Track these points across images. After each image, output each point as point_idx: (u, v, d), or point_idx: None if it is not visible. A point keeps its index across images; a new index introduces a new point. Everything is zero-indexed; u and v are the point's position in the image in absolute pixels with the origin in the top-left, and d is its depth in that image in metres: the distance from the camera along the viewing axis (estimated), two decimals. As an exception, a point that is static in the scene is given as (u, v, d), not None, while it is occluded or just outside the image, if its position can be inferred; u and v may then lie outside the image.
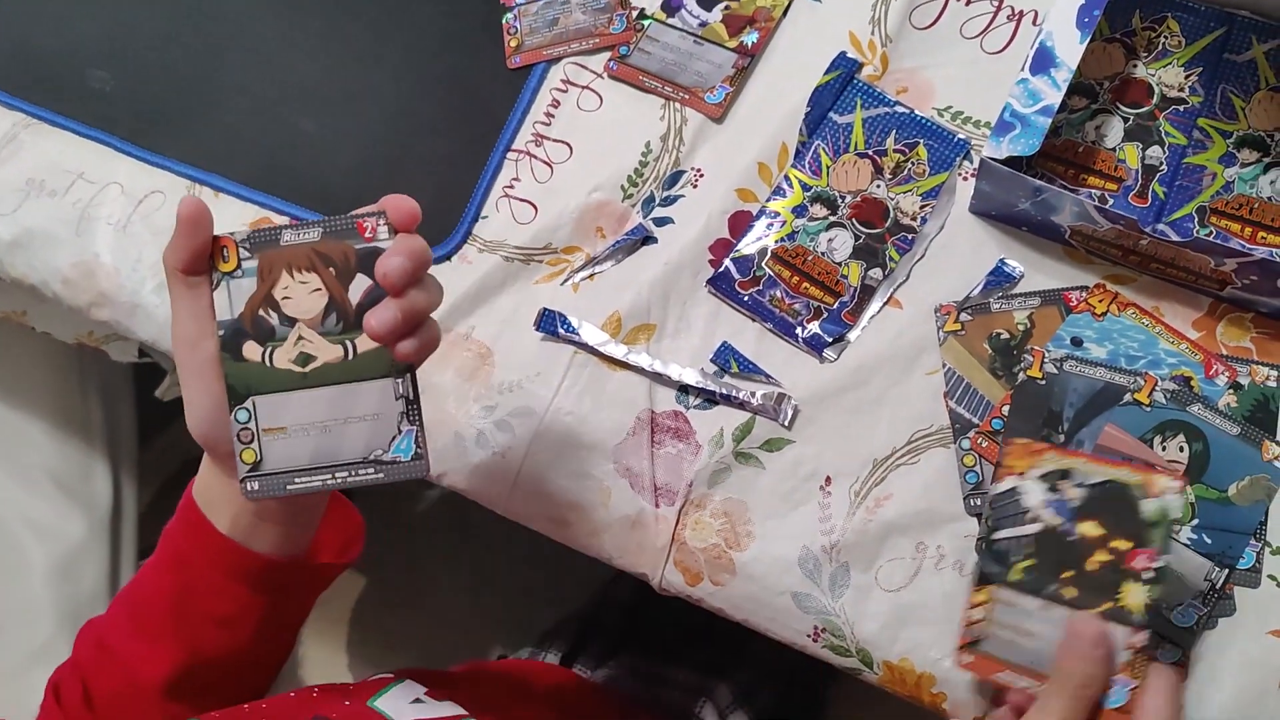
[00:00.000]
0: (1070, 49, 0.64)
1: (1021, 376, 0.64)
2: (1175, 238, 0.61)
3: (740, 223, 0.72)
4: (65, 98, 0.83)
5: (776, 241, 0.71)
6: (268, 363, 0.52)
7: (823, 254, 0.70)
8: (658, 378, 0.70)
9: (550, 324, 0.71)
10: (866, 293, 0.69)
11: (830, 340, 0.69)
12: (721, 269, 0.71)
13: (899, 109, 0.72)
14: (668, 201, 0.73)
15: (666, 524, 0.68)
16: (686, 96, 0.75)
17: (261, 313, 0.52)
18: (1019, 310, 0.67)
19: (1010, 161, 0.63)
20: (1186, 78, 0.68)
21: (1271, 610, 0.61)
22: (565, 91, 0.77)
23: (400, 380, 0.53)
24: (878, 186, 0.71)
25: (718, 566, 0.67)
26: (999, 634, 0.58)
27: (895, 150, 0.72)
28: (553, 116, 0.77)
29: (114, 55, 0.83)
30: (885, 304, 0.69)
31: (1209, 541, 0.60)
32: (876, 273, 0.69)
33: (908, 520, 0.65)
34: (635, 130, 0.75)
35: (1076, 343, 0.65)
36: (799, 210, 0.71)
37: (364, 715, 0.61)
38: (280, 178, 0.78)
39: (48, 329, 1.00)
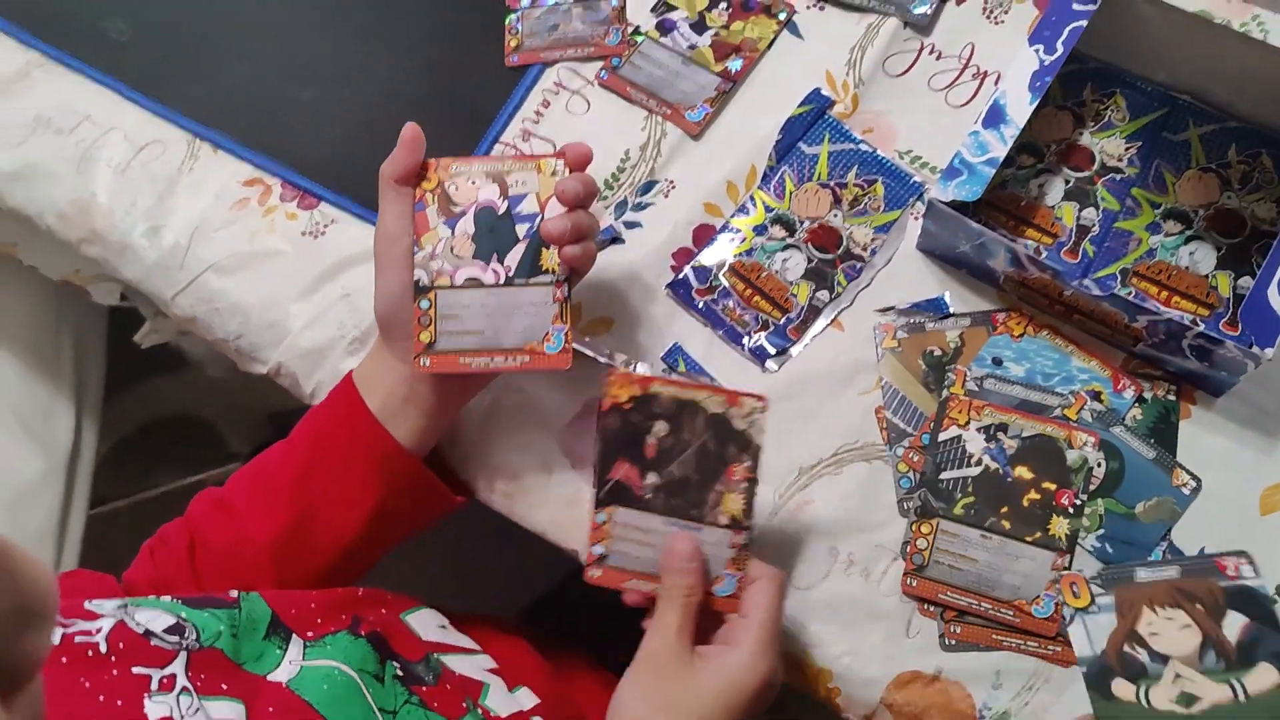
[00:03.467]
0: (1020, 109, 0.69)
1: (946, 393, 0.69)
2: (1097, 292, 0.66)
3: (704, 235, 0.77)
4: (82, 42, 0.87)
5: (735, 256, 0.76)
6: (1143, 702, 0.49)
7: (776, 272, 0.75)
8: (609, 369, 0.74)
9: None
10: (813, 312, 0.74)
11: (774, 352, 0.73)
12: (681, 275, 0.76)
13: (863, 147, 0.77)
14: (639, 207, 0.78)
15: (601, 505, 0.72)
16: (669, 111, 0.80)
17: (1127, 649, 0.51)
18: (951, 330, 0.72)
19: (958, 207, 0.69)
20: (1126, 149, 0.74)
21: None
22: (556, 94, 0.82)
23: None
24: (835, 216, 0.76)
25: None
26: (940, 560, 0.66)
27: (855, 184, 0.77)
28: (542, 116, 0.81)
29: (134, 7, 0.88)
30: (829, 325, 0.74)
31: (1110, 551, 0.65)
32: (824, 295, 0.74)
33: (825, 526, 0.69)
34: (617, 138, 0.80)
35: (997, 362, 0.70)
36: (759, 229, 0.76)
37: (395, 626, 0.66)
38: (275, 141, 0.82)
39: (35, 264, 1.03)
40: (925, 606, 0.67)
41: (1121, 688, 0.48)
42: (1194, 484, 0.66)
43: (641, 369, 0.73)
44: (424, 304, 0.63)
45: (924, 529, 0.67)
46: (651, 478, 0.61)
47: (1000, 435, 0.68)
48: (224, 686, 0.53)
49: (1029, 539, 0.65)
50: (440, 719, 0.62)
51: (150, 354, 1.12)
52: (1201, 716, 0.45)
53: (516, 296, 0.63)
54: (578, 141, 0.64)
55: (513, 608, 1.05)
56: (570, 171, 0.64)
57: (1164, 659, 0.47)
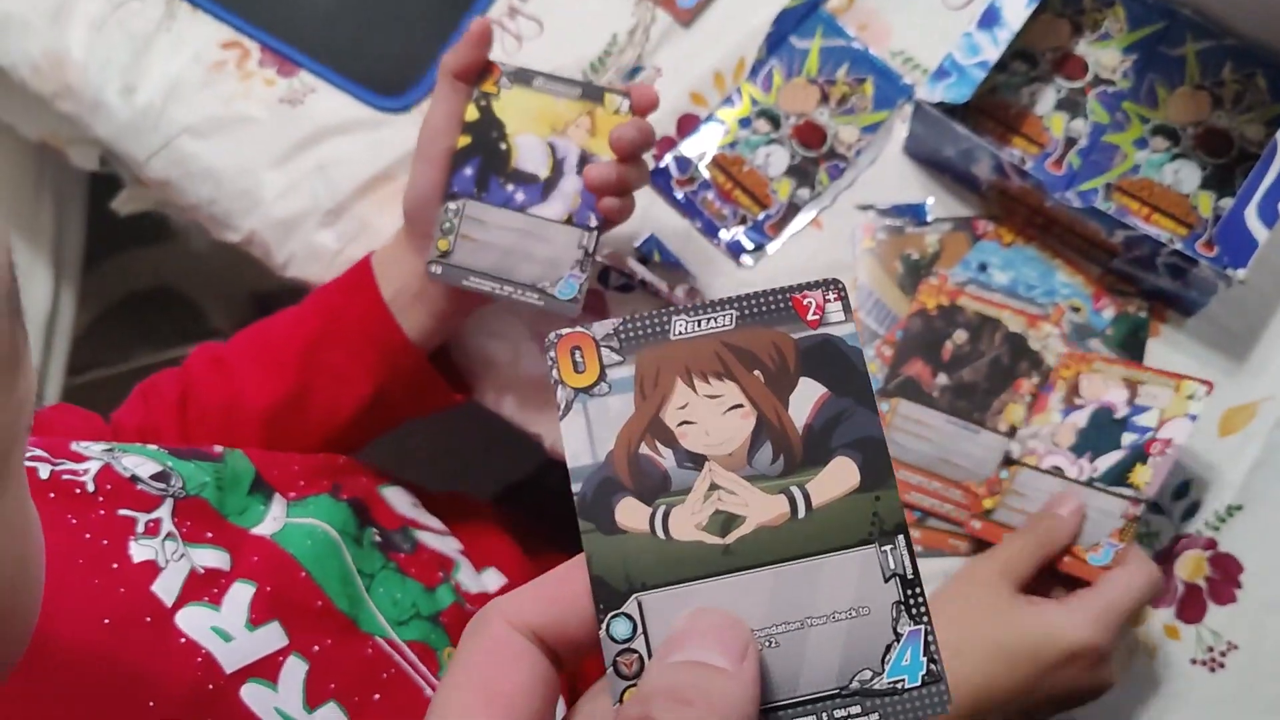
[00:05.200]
0: (1017, 12, 0.68)
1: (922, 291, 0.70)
2: (1077, 204, 0.66)
3: (688, 124, 0.76)
4: (59, -112, 0.84)
5: (718, 148, 0.75)
6: (659, 533, 0.31)
7: (758, 167, 0.74)
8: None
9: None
10: (792, 210, 0.73)
11: (750, 248, 0.73)
12: (662, 164, 0.75)
13: (855, 44, 0.76)
14: (624, 93, 0.77)
15: (568, 391, 0.72)
16: (660, -4, 0.78)
17: (644, 450, 0.31)
18: (930, 233, 0.71)
19: (945, 110, 0.67)
20: (1122, 61, 0.73)
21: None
22: (546, -30, 0.79)
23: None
24: (821, 113, 0.75)
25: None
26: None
27: (845, 82, 0.75)
28: (530, -8, 0.79)
29: None
30: (808, 223, 0.73)
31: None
32: (805, 192, 0.74)
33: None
34: (606, 20, 0.78)
35: (983, 268, 0.70)
36: (744, 122, 0.75)
37: (371, 496, 0.66)
38: (256, 3, 0.80)
39: (12, 121, 1.01)
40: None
41: (631, 513, 0.30)
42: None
43: (640, 270, 0.71)
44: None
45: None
46: (942, 378, 0.63)
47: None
48: (209, 535, 0.53)
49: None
50: (418, 585, 0.63)
51: (132, 226, 1.10)
52: (739, 546, 0.30)
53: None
54: (645, 85, 0.62)
55: (485, 492, 1.06)
56: (633, 114, 0.62)
57: (698, 461, 0.31)
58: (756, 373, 0.31)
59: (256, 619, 0.51)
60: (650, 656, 0.30)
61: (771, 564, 0.30)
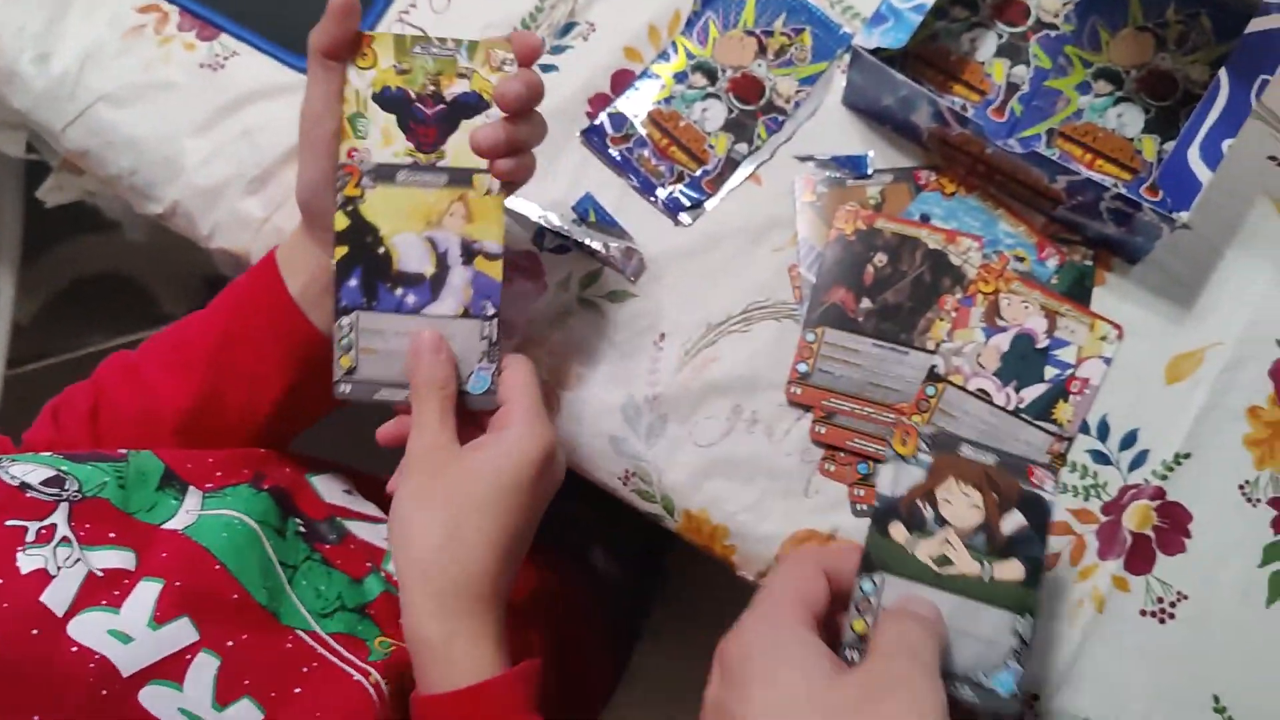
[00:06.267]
0: (953, -47, 0.66)
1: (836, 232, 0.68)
2: (1018, 150, 0.64)
3: (622, 80, 0.74)
4: None
5: (654, 104, 0.73)
6: (909, 549, 0.54)
7: (695, 122, 0.72)
8: (517, 216, 0.71)
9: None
10: (730, 165, 0.71)
11: (688, 205, 0.71)
12: (596, 122, 0.73)
13: (793, -6, 0.74)
14: (557, 50, 0.74)
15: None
16: (591, -52, 0.75)
17: (919, 503, 0.55)
18: (872, 185, 0.70)
19: (883, 57, 0.66)
20: (1064, 5, 0.71)
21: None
22: (473, -76, 0.77)
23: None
24: (759, 65, 0.73)
25: (545, 403, 0.70)
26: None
27: (782, 33, 0.73)
28: (457, -52, 0.76)
29: None
30: (746, 178, 0.71)
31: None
32: (743, 147, 0.72)
33: (730, 383, 0.68)
34: (536, -25, 0.75)
35: (925, 218, 0.69)
36: (680, 77, 0.73)
37: (300, 484, 0.64)
38: (175, -36, 0.77)
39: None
40: (825, 466, 0.67)
41: (897, 531, 0.54)
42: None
43: (577, 232, 0.69)
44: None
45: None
46: (866, 303, 0.64)
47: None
48: (112, 535, 0.52)
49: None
50: (343, 576, 0.61)
51: (79, 213, 1.07)
52: (946, 577, 0.53)
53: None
54: (527, 32, 0.58)
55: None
56: (517, 66, 0.57)
57: (943, 523, 0.54)
58: (994, 494, 0.55)
59: (162, 616, 0.49)
60: (879, 610, 0.52)
61: (957, 594, 0.53)
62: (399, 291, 0.58)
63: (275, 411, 0.64)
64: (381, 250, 0.58)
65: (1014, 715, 0.60)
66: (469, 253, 0.58)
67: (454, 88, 0.58)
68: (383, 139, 0.58)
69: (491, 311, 0.58)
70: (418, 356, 0.57)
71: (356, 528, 0.65)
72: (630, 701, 1.00)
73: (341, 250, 0.58)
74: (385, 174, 0.57)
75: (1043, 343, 0.66)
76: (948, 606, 0.53)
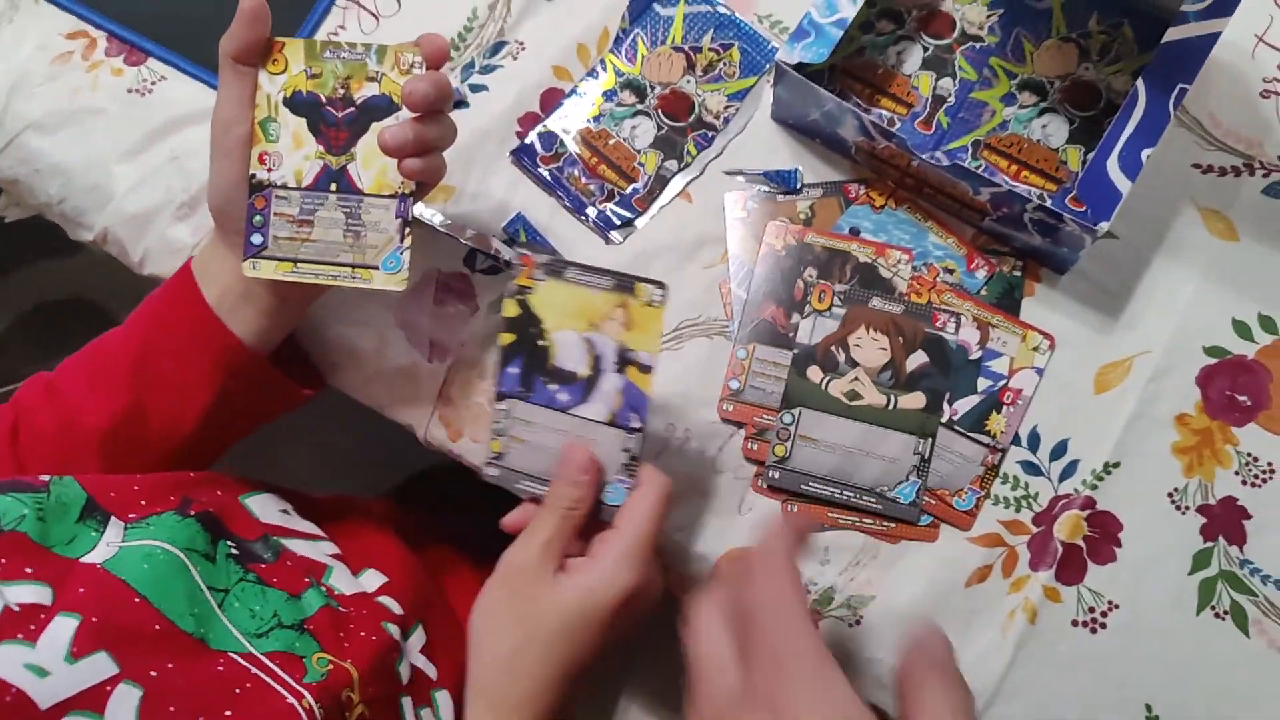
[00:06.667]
0: (874, -32, 0.66)
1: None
2: (943, 162, 0.64)
3: (551, 99, 0.73)
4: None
5: (584, 122, 0.73)
6: (824, 387, 0.61)
7: (624, 140, 0.72)
8: (449, 238, 0.71)
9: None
10: (660, 182, 0.71)
11: (619, 223, 0.71)
12: (526, 141, 0.73)
13: (721, 9, 0.74)
14: (487, 70, 0.74)
15: (436, 379, 0.70)
16: (519, -32, 0.75)
17: (833, 349, 0.62)
18: (802, 200, 0.70)
19: (813, 77, 0.66)
20: (988, 17, 0.71)
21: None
22: (401, -55, 0.77)
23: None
24: (688, 82, 0.73)
25: (479, 425, 0.70)
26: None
27: (710, 49, 0.73)
28: (386, -31, 0.76)
29: None
30: (676, 196, 0.71)
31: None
32: (673, 164, 0.72)
33: (662, 402, 0.68)
34: (465, -6, 0.75)
35: (855, 232, 0.69)
36: (609, 95, 0.73)
37: (232, 507, 0.63)
38: (101, -10, 0.77)
39: None
40: (759, 483, 0.67)
41: (813, 372, 0.62)
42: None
43: (506, 252, 0.70)
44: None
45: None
46: (796, 318, 0.66)
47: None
48: (28, 570, 0.51)
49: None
50: (280, 594, 0.60)
51: (41, 236, 1.07)
52: (855, 408, 0.62)
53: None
54: (435, 34, 0.58)
55: (385, 486, 1.04)
56: (425, 68, 0.58)
57: (854, 364, 0.62)
58: (900, 338, 0.62)
59: (79, 651, 0.49)
60: (796, 436, 0.63)
61: (865, 422, 0.63)
62: (553, 387, 0.59)
63: (200, 425, 0.64)
64: (542, 343, 0.59)
65: (913, 519, 0.64)
66: (623, 360, 0.58)
67: (364, 91, 0.58)
68: (294, 143, 0.58)
69: (637, 425, 0.59)
70: (566, 467, 0.58)
71: (294, 545, 0.64)
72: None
73: (509, 338, 0.59)
74: (555, 269, 0.58)
75: (975, 354, 0.66)
76: (856, 433, 0.63)
